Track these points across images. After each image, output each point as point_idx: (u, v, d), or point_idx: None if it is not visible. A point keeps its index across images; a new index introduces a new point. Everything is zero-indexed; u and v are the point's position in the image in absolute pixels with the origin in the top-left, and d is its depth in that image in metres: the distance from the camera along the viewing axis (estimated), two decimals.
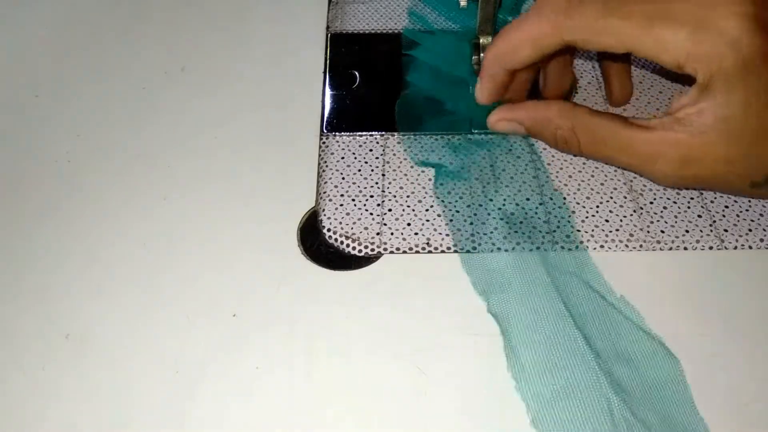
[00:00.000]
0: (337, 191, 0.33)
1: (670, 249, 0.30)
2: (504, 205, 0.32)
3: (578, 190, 0.33)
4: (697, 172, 0.27)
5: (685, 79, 0.26)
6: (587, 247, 0.30)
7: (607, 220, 0.31)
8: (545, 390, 0.26)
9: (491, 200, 0.32)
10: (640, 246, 0.30)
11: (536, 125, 0.31)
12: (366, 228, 0.31)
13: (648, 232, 0.31)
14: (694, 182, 0.29)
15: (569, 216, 0.31)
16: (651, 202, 0.32)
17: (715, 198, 0.32)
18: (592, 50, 0.28)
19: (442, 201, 0.32)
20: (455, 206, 0.32)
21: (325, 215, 0.32)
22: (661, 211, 0.32)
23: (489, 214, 0.31)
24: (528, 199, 0.32)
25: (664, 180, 0.29)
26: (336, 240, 0.31)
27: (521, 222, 0.31)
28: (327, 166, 0.34)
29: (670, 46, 0.26)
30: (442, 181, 0.33)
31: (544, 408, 0.25)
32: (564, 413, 0.25)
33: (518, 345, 0.27)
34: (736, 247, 0.30)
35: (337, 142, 0.35)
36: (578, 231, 0.31)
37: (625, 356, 0.27)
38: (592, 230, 0.31)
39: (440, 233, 0.31)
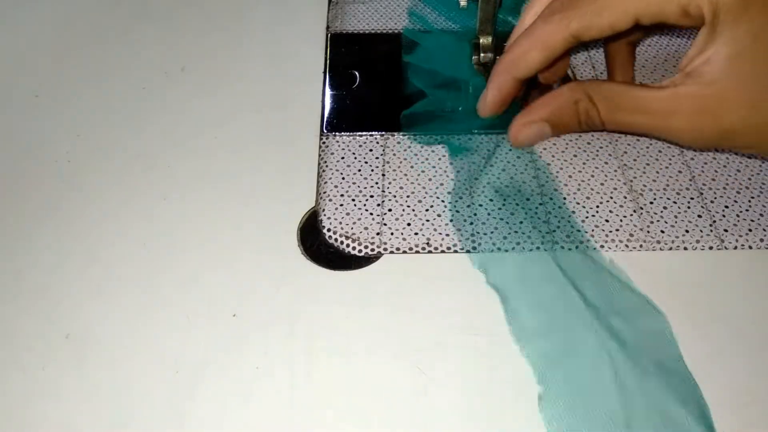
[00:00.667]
0: (337, 191, 0.33)
1: (670, 249, 0.30)
2: (504, 205, 0.32)
3: (578, 190, 0.33)
4: (716, 124, 0.26)
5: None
6: (587, 247, 0.30)
7: (607, 220, 0.31)
8: (548, 349, 0.27)
9: (491, 200, 0.32)
10: (640, 246, 0.30)
11: (561, 112, 0.30)
12: (366, 228, 0.31)
13: (648, 232, 0.31)
14: (718, 136, 0.27)
15: (569, 216, 0.31)
16: (651, 202, 0.32)
17: (715, 198, 0.32)
18: (599, 36, 0.28)
19: (457, 172, 0.33)
20: (455, 206, 0.32)
21: (325, 215, 0.32)
22: (661, 211, 0.32)
23: (489, 214, 0.31)
24: (528, 199, 0.32)
25: (685, 137, 0.28)
26: (336, 240, 0.31)
27: (521, 222, 0.31)
28: (327, 166, 0.34)
29: None
30: (456, 154, 0.34)
31: (549, 366, 0.26)
32: (568, 368, 0.26)
33: (519, 308, 0.28)
34: (736, 247, 0.30)
35: (337, 142, 0.35)
36: (578, 231, 0.31)
37: (619, 312, 0.27)
38: (592, 230, 0.31)
39: (440, 233, 0.31)
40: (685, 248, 0.30)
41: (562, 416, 0.25)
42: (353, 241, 0.31)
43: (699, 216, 0.31)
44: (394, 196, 0.32)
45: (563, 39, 0.28)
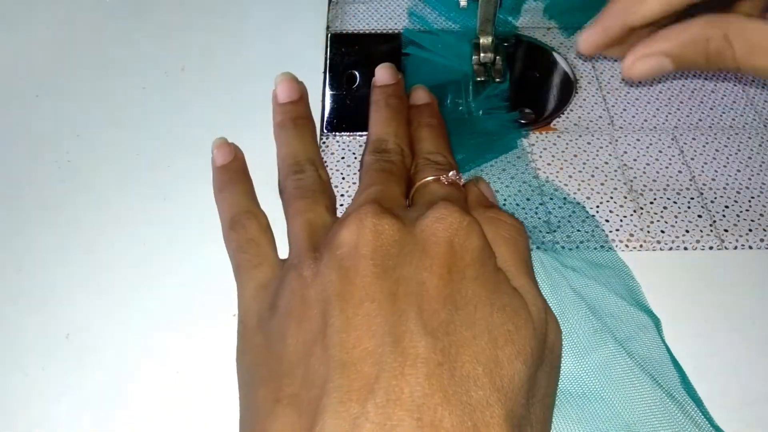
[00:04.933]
0: (337, 191, 0.33)
1: (670, 249, 0.30)
2: (504, 205, 0.32)
3: (578, 190, 0.33)
4: None
5: None
6: (587, 247, 0.30)
7: (607, 220, 0.31)
8: None
9: None
10: (640, 246, 0.30)
11: (686, 48, 0.27)
12: None
13: (648, 232, 0.31)
14: None
15: (569, 216, 0.31)
16: (651, 202, 0.32)
17: (715, 198, 0.32)
18: None
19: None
20: None
21: None
22: (661, 211, 0.32)
23: None
24: (528, 199, 0.32)
25: None
26: None
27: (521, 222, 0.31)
28: (327, 166, 0.34)
29: None
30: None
31: None
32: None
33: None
34: (736, 247, 0.30)
35: (337, 142, 0.35)
36: (578, 231, 0.31)
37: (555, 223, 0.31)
38: (592, 230, 0.31)
39: None
40: (685, 248, 0.30)
41: None
42: None
43: (699, 216, 0.31)
44: None
45: None
